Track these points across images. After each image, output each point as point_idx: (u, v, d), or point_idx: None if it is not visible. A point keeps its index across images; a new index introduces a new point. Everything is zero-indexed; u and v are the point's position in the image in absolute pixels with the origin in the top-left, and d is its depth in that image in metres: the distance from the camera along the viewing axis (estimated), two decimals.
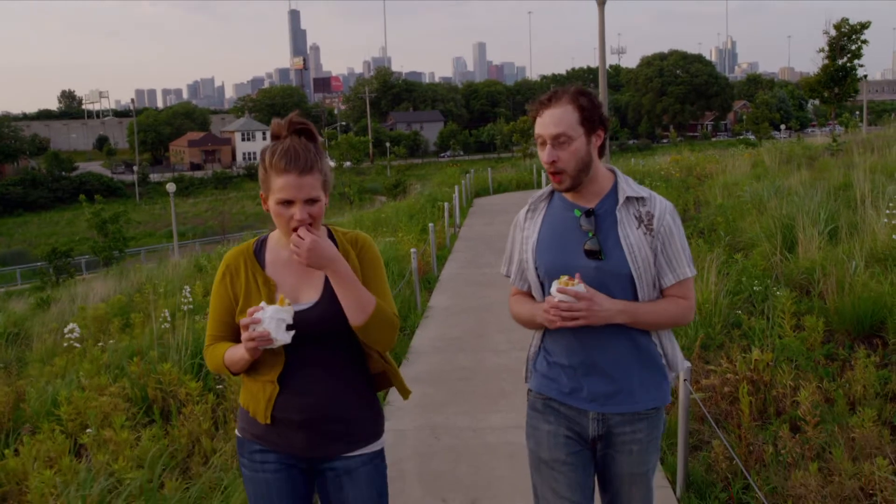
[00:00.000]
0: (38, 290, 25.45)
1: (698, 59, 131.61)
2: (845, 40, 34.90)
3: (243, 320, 2.53)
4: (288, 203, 2.59)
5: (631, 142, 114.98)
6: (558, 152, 2.73)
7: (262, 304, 2.53)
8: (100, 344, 8.77)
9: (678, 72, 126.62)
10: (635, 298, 2.77)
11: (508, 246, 3.08)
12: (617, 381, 2.80)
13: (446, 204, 18.42)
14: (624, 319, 2.73)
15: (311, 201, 2.61)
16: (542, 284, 2.90)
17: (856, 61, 35.66)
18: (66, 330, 7.74)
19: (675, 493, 4.84)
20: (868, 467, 4.06)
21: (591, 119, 2.75)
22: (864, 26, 35.00)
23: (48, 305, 15.52)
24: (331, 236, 2.80)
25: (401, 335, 9.08)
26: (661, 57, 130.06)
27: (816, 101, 46.66)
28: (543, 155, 2.78)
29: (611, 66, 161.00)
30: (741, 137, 53.89)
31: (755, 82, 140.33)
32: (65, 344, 7.96)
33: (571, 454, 2.88)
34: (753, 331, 6.82)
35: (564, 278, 2.68)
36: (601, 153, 2.83)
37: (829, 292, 7.37)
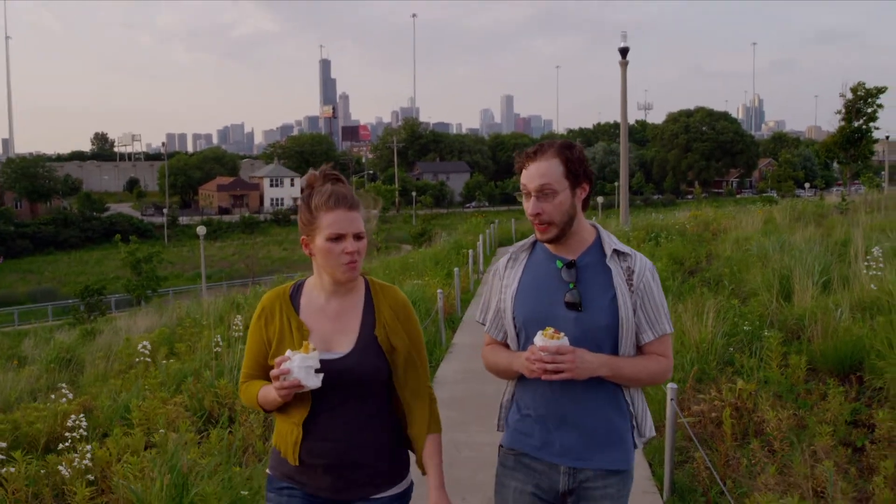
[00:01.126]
0: (73, 326, 26.45)
1: (724, 116, 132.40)
2: (861, 103, 35.78)
3: (273, 372, 2.66)
4: (338, 238, 2.76)
5: (656, 197, 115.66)
6: (542, 204, 2.79)
7: (288, 352, 2.65)
8: (150, 369, 9.68)
9: (704, 128, 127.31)
10: (614, 352, 2.82)
11: (486, 294, 3.11)
12: (589, 436, 2.84)
13: (471, 251, 19.37)
14: (606, 373, 2.76)
15: (358, 237, 2.80)
16: (517, 335, 2.93)
17: (871, 124, 36.59)
18: (139, 346, 8.61)
19: (661, 498, 5.65)
20: (820, 469, 4.84)
21: (575, 172, 2.82)
22: (881, 91, 35.93)
23: (94, 336, 16.48)
24: (367, 286, 2.95)
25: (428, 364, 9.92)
26: (687, 113, 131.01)
27: (834, 162, 47.43)
28: (528, 207, 2.83)
29: (637, 122, 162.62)
30: (765, 195, 54.51)
31: (781, 140, 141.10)
32: (136, 359, 8.83)
33: None
34: (743, 367, 7.60)
35: (550, 330, 2.71)
36: (585, 206, 2.91)
37: (815, 336, 8.15)
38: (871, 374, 7.18)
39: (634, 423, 2.91)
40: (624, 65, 25.63)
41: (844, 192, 25.72)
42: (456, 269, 14.71)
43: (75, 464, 5.33)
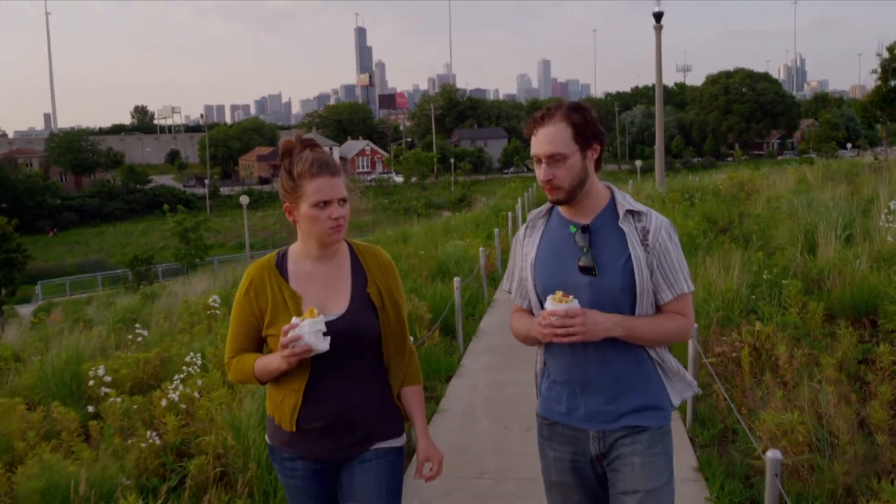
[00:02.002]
0: (127, 294, 27.47)
1: (764, 77, 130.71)
2: None
3: (283, 339, 2.67)
4: (324, 204, 2.80)
5: (695, 160, 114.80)
6: (554, 170, 2.79)
7: (295, 319, 2.70)
8: (214, 322, 10.45)
9: (744, 90, 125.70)
10: (632, 313, 2.82)
11: (510, 263, 3.14)
12: (614, 398, 2.85)
13: (510, 213, 20.02)
14: (620, 333, 2.76)
15: (343, 201, 2.85)
16: (539, 302, 2.93)
17: None
18: (210, 301, 9.37)
19: (685, 425, 6.31)
20: (822, 394, 5.44)
21: (584, 135, 2.80)
22: None
23: (153, 300, 17.37)
24: (351, 250, 3.02)
25: (471, 319, 10.62)
26: (726, 75, 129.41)
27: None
28: (540, 173, 2.83)
29: (676, 84, 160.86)
30: (805, 156, 54.25)
31: (823, 100, 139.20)
32: (208, 311, 9.59)
33: (581, 477, 2.97)
34: (765, 313, 8.18)
35: (559, 294, 2.73)
36: (598, 167, 2.90)
37: (835, 285, 8.69)
38: (884, 318, 7.71)
39: (667, 378, 2.92)
40: (658, 29, 25.94)
41: (877, 152, 25.89)
42: (496, 230, 15.45)
43: (168, 397, 6.07)
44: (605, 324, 2.72)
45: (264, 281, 2.91)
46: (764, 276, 9.07)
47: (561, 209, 2.94)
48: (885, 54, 36.00)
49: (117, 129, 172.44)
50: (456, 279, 9.48)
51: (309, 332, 2.64)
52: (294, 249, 2.98)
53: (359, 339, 2.87)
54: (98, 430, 6.15)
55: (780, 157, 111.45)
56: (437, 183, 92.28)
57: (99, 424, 6.22)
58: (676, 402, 2.94)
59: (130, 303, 17.63)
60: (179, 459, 5.51)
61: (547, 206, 3.03)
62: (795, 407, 5.29)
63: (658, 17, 26.06)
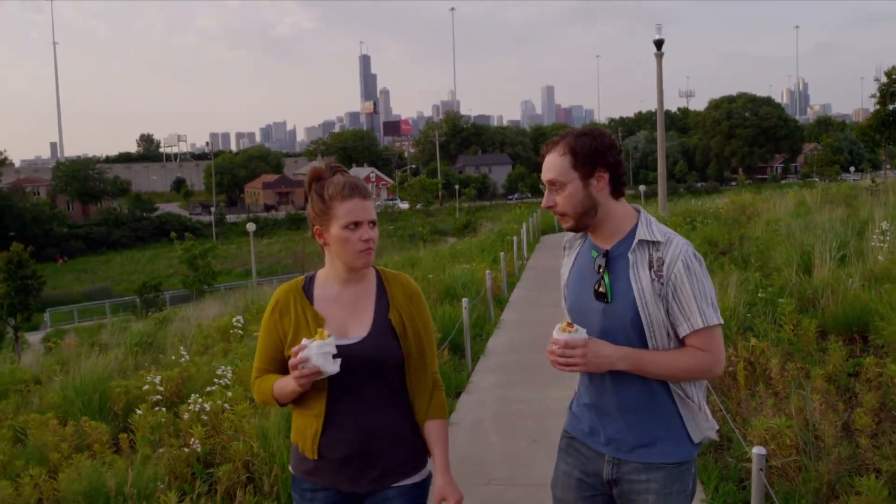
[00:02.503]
0: (137, 320, 27.88)
1: (767, 101, 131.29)
2: (895, 87, 36.15)
3: (291, 361, 2.69)
4: (355, 225, 2.83)
5: (699, 184, 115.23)
6: (554, 197, 2.83)
7: (304, 340, 2.71)
8: (232, 343, 10.84)
9: (747, 114, 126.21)
10: (643, 345, 2.77)
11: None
12: (631, 428, 2.82)
13: (515, 238, 20.44)
14: (626, 366, 2.73)
15: (373, 224, 2.89)
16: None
17: None
18: (234, 321, 9.76)
19: None
20: (809, 402, 5.79)
21: (584, 162, 2.78)
22: None
23: (166, 325, 17.75)
24: (378, 276, 3.04)
25: (478, 339, 11.00)
26: (729, 100, 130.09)
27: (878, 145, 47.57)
28: (543, 199, 2.91)
29: (679, 109, 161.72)
30: (809, 180, 54.63)
31: (825, 124, 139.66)
32: (230, 331, 9.97)
33: (582, 498, 2.96)
34: (760, 330, 8.53)
35: (564, 323, 2.74)
36: (618, 193, 2.86)
37: (829, 304, 9.05)
38: (874, 334, 8.06)
39: (686, 416, 2.83)
40: (659, 57, 26.49)
41: (874, 175, 26.34)
42: (502, 254, 15.88)
43: (190, 409, 6.44)
44: (610, 357, 2.70)
45: (289, 302, 2.94)
46: (759, 296, 9.42)
47: (590, 233, 2.93)
48: (884, 79, 36.66)
49: (123, 158, 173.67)
50: (464, 300, 9.88)
51: (317, 353, 2.65)
52: (322, 273, 3.02)
53: (378, 365, 2.86)
54: (128, 441, 6.53)
55: (783, 181, 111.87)
56: (441, 209, 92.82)
57: (128, 437, 6.59)
58: (696, 439, 2.85)
59: (145, 327, 18.00)
60: (207, 468, 5.87)
61: None
62: (784, 413, 5.64)
63: (659, 44, 26.61)
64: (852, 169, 75.76)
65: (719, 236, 16.86)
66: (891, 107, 36.51)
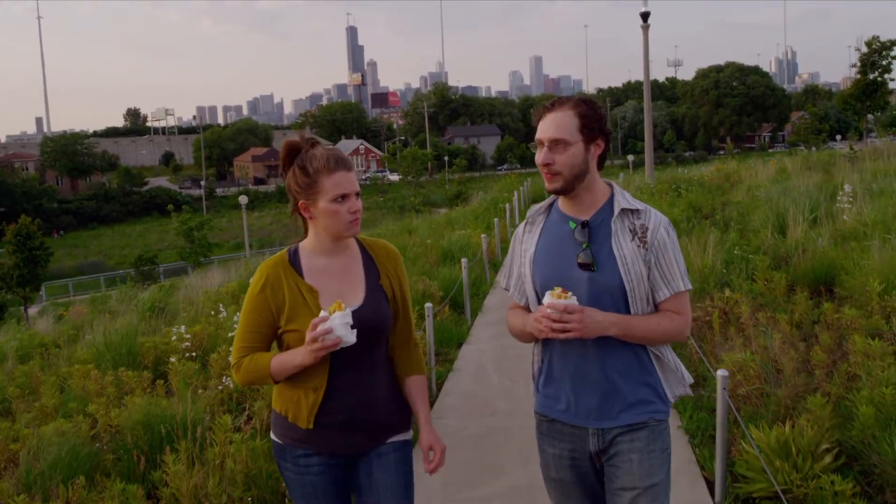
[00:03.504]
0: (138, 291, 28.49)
1: (755, 70, 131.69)
2: (876, 56, 37.04)
3: (313, 333, 2.68)
4: (342, 198, 2.84)
5: (687, 153, 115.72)
6: (554, 155, 2.81)
7: (323, 312, 2.72)
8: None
9: (734, 83, 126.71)
10: (628, 312, 2.84)
11: (508, 259, 3.15)
12: (612, 394, 2.87)
13: (507, 205, 21.20)
14: (616, 332, 2.78)
15: (358, 195, 2.90)
16: (537, 298, 2.93)
17: (886, 76, 37.85)
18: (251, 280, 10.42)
19: None
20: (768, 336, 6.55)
21: (591, 127, 2.83)
22: (894, 43, 37.14)
23: (172, 293, 18.41)
24: (360, 245, 3.07)
25: (475, 298, 11.77)
26: (716, 69, 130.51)
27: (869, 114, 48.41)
28: (539, 156, 2.86)
29: (667, 79, 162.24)
30: (796, 148, 55.28)
31: (813, 93, 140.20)
32: (242, 295, 10.65)
33: (579, 474, 3.00)
34: (735, 284, 9.29)
35: (558, 290, 2.73)
36: (600, 165, 2.93)
37: (800, 261, 9.82)
38: (839, 287, 8.83)
39: (664, 375, 2.94)
40: (645, 29, 27.11)
41: (852, 142, 27.17)
42: (496, 220, 16.67)
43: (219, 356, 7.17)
44: (602, 322, 2.75)
45: (280, 277, 2.91)
46: (735, 253, 10.19)
47: (560, 205, 2.97)
48: (864, 48, 37.53)
49: (111, 132, 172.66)
50: (463, 260, 10.75)
51: (339, 324, 2.68)
52: (305, 245, 3.00)
53: (376, 330, 2.91)
54: (163, 387, 7.25)
55: (771, 150, 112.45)
56: (431, 181, 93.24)
57: (163, 383, 7.32)
58: (672, 398, 2.96)
59: (153, 294, 18.67)
60: (239, 405, 6.61)
61: (547, 202, 3.06)
62: (750, 350, 6.41)
63: (645, 16, 27.19)
64: (839, 137, 76.35)
65: (703, 202, 17.60)
66: (871, 76, 37.38)
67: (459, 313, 10.62)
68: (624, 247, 2.81)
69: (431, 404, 7.14)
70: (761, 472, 4.76)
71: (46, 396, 7.39)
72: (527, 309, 3.05)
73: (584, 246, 2.83)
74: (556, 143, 2.81)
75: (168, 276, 44.60)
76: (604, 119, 2.88)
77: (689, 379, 3.01)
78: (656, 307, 2.89)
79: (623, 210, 2.86)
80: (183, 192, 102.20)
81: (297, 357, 2.77)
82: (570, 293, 2.71)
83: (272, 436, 3.04)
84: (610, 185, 2.97)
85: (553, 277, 2.85)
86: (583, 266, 2.82)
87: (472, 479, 5.64)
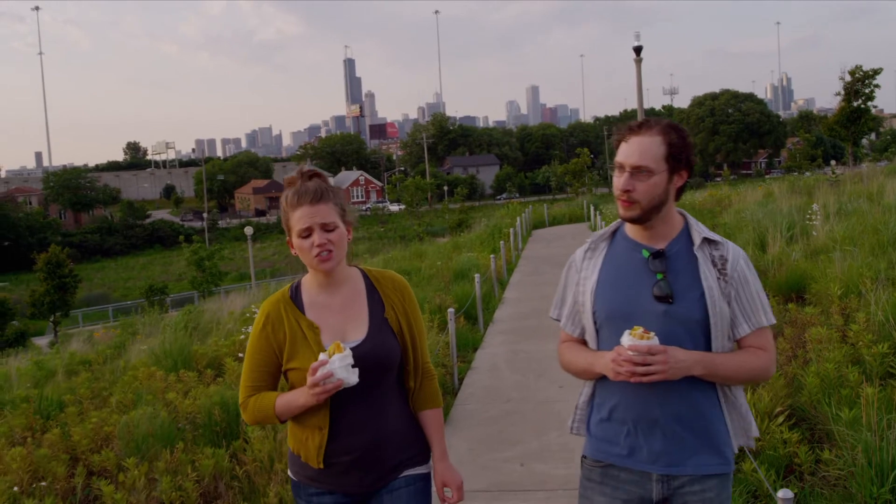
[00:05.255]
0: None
1: (750, 97, 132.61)
2: (859, 85, 38.50)
3: (314, 378, 2.59)
4: (307, 232, 2.74)
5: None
6: (635, 182, 2.63)
7: (322, 356, 2.61)
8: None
9: (730, 110, 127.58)
10: (707, 348, 2.64)
11: (560, 288, 2.95)
12: (682, 439, 2.67)
13: (511, 230, 22.52)
14: (700, 371, 2.58)
15: (328, 228, 2.74)
16: (597, 331, 2.78)
17: (869, 103, 39.34)
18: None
19: None
20: None
21: (677, 157, 2.65)
22: (877, 72, 38.67)
23: (199, 315, 19.57)
24: (365, 276, 2.96)
25: (486, 312, 13.00)
26: (712, 97, 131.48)
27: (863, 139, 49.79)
28: (619, 182, 2.66)
29: (664, 107, 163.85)
30: (792, 173, 56.56)
31: (808, 119, 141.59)
32: None
33: None
34: None
35: (640, 330, 2.54)
36: (678, 196, 2.74)
37: (777, 273, 11.03)
38: (809, 294, 10.03)
39: (732, 422, 2.74)
40: (638, 62, 28.46)
41: (834, 167, 28.49)
42: (502, 242, 18.20)
43: None
44: (686, 361, 2.54)
45: (280, 314, 2.85)
46: None
47: (630, 232, 2.78)
48: (848, 77, 38.97)
49: (112, 166, 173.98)
50: (476, 275, 12.08)
51: (339, 367, 2.59)
52: (306, 280, 2.93)
53: (380, 365, 2.81)
54: (223, 383, 8.41)
55: (767, 176, 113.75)
56: (431, 210, 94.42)
57: (223, 380, 8.49)
58: (735, 447, 2.76)
59: (182, 316, 19.82)
60: None
61: (611, 228, 2.88)
62: None
63: (637, 50, 28.55)
64: (833, 162, 77.66)
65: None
66: (854, 103, 38.80)
67: (473, 323, 11.84)
68: (709, 277, 2.64)
69: (455, 394, 8.34)
70: None
71: (121, 393, 8.55)
72: (581, 341, 2.90)
73: (658, 276, 2.66)
74: (638, 170, 2.64)
75: (175, 307, 45.50)
76: (691, 149, 2.72)
77: (755, 432, 2.80)
78: (736, 343, 2.72)
79: (704, 239, 2.71)
80: (185, 224, 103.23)
81: (300, 398, 2.70)
82: (651, 333, 2.54)
83: (289, 473, 3.01)
84: (683, 215, 2.81)
85: (620, 309, 2.70)
86: (659, 298, 2.63)
87: (494, 447, 6.83)
